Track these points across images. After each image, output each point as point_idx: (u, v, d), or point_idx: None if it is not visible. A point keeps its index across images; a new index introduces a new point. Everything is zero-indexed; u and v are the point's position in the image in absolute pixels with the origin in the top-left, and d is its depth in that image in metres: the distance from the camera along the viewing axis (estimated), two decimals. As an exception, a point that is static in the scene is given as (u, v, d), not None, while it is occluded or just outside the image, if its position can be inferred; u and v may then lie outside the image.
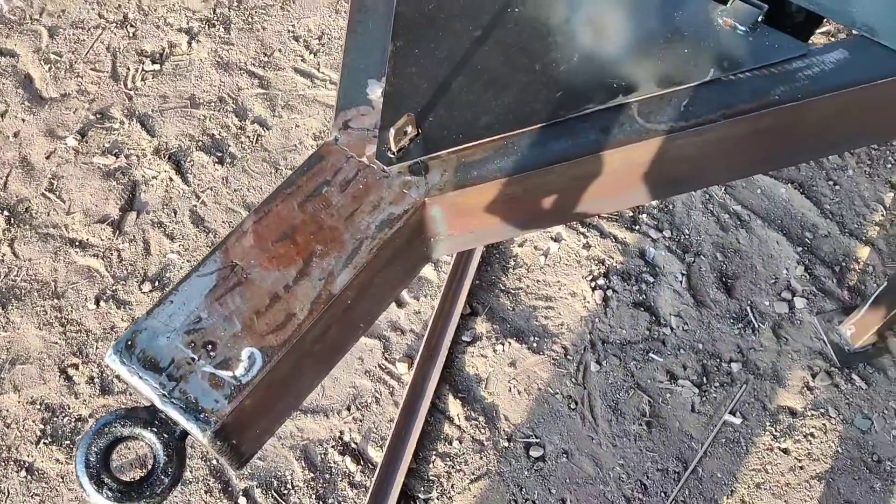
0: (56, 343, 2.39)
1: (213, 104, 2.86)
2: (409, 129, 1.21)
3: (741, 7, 1.33)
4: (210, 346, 1.03)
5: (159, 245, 2.56)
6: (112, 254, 2.55)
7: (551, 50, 1.31)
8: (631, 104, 1.26)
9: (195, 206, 2.64)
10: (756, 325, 2.35)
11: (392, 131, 1.18)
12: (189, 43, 3.01)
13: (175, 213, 2.62)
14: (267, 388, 1.04)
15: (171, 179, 2.69)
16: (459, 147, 1.22)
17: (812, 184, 2.59)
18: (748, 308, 2.37)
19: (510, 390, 2.27)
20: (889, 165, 2.64)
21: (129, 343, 1.03)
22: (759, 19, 1.32)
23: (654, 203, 2.56)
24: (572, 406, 2.24)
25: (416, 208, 1.18)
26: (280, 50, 2.98)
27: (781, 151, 1.37)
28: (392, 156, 1.21)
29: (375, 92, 1.30)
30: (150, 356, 1.02)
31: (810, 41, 1.55)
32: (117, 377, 2.27)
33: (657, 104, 1.25)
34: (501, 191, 1.23)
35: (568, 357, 2.32)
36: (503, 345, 2.34)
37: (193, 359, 1.02)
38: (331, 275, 1.10)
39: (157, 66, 2.96)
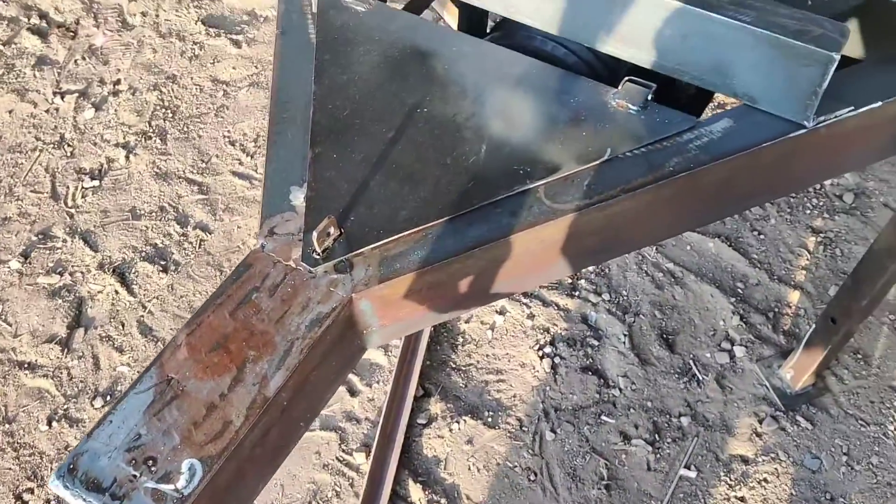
0: (10, 469, 2.36)
1: (154, 214, 2.90)
2: (332, 230, 1.28)
3: (632, 88, 1.43)
4: (151, 462, 1.06)
5: (109, 359, 2.57)
6: (62, 372, 2.55)
7: (460, 143, 1.40)
8: (538, 187, 1.34)
9: (142, 316, 2.66)
10: (700, 378, 2.42)
11: (315, 234, 1.25)
12: (127, 157, 3.07)
13: (122, 326, 2.64)
14: (210, 497, 1.06)
15: (116, 292, 2.71)
16: (381, 242, 1.29)
17: (738, 236, 2.71)
18: (691, 362, 2.45)
19: (469, 468, 2.30)
20: (808, 211, 2.77)
21: (71, 467, 1.05)
22: (649, 98, 1.43)
23: (590, 268, 2.65)
24: (532, 478, 2.27)
25: (344, 305, 1.24)
26: (217, 155, 3.06)
27: (684, 216, 1.47)
28: (317, 257, 1.27)
29: (298, 198, 1.37)
30: (93, 477, 1.05)
31: (708, 113, 1.67)
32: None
33: (561, 185, 1.34)
34: (425, 279, 1.29)
35: (523, 428, 2.35)
36: (459, 423, 2.37)
37: (135, 476, 1.04)
38: (264, 379, 1.14)
39: (96, 183, 3.01)
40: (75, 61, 3.39)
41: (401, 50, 1.54)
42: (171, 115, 3.19)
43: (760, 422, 2.33)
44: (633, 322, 2.54)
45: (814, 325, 2.20)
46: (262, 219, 1.36)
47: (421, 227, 1.30)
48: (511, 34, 1.73)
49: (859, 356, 2.43)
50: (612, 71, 1.68)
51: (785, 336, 2.49)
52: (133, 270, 2.77)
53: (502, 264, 1.35)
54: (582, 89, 1.46)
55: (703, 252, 2.68)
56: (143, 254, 2.81)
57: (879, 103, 1.41)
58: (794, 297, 2.57)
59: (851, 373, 2.40)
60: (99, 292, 2.73)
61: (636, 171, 1.36)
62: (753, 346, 2.46)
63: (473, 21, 2.04)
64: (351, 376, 2.47)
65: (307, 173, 1.38)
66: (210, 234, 2.84)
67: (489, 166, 1.37)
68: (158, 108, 3.22)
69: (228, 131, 3.13)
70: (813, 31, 1.29)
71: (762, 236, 2.71)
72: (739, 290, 2.59)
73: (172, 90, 3.27)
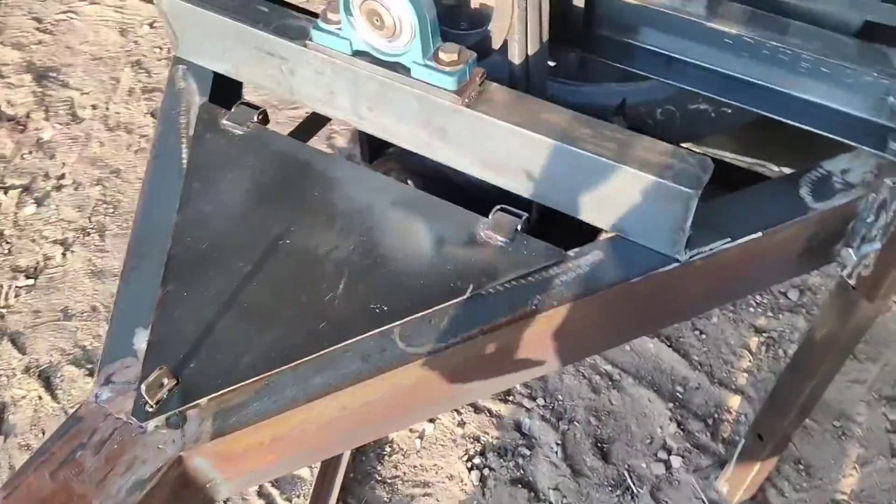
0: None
1: (85, 314, 2.85)
2: (166, 380, 1.21)
3: (502, 217, 1.38)
4: None
5: (25, 470, 2.47)
6: (-25, 485, 2.45)
7: (319, 279, 1.33)
8: (393, 329, 1.27)
9: (64, 423, 2.57)
10: (634, 491, 2.31)
11: (144, 385, 1.18)
12: (64, 254, 3.03)
13: (43, 434, 2.55)
14: None
15: (39, 398, 2.64)
16: (218, 393, 1.22)
17: (679, 335, 2.63)
18: (626, 472, 2.34)
19: (389, 591, 2.18)
20: (751, 309, 2.69)
21: None
22: (518, 228, 1.37)
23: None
24: None
25: (171, 464, 1.16)
26: (154, 252, 3.01)
27: (551, 352, 1.39)
28: (150, 409, 1.20)
29: (142, 341, 1.31)
30: None
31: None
32: None
33: (418, 326, 1.27)
34: (264, 432, 1.22)
35: (448, 551, 2.24)
36: (381, 540, 2.26)
37: None
38: (69, 556, 1.06)
39: (30, 281, 2.96)
40: (22, 155, 3.38)
41: (273, 176, 1.49)
42: (112, 210, 3.16)
43: (697, 539, 2.21)
44: (568, 429, 2.44)
45: (742, 440, 2.10)
46: (100, 365, 1.30)
47: (263, 376, 1.23)
48: (402, 153, 1.69)
49: (801, 466, 2.32)
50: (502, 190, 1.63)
51: (724, 444, 2.38)
52: (59, 374, 2.70)
53: (355, 411, 1.27)
54: (453, 219, 1.41)
55: (643, 353, 2.59)
56: (71, 357, 2.74)
57: (760, 233, 1.34)
58: (735, 402, 2.47)
59: (792, 485, 2.29)
60: (22, 398, 2.65)
61: (497, 309, 1.29)
62: (691, 455, 2.36)
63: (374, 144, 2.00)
64: (271, 489, 2.37)
65: (153, 314, 1.32)
66: (140, 335, 2.77)
67: (345, 305, 1.30)
68: (100, 203, 3.18)
69: (168, 227, 3.09)
70: (674, 165, 1.24)
71: (704, 336, 2.63)
72: (679, 394, 2.50)
73: (116, 185, 3.25)
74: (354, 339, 1.26)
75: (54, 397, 2.64)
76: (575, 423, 2.45)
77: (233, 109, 1.60)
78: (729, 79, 1.52)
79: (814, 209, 1.37)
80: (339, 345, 1.25)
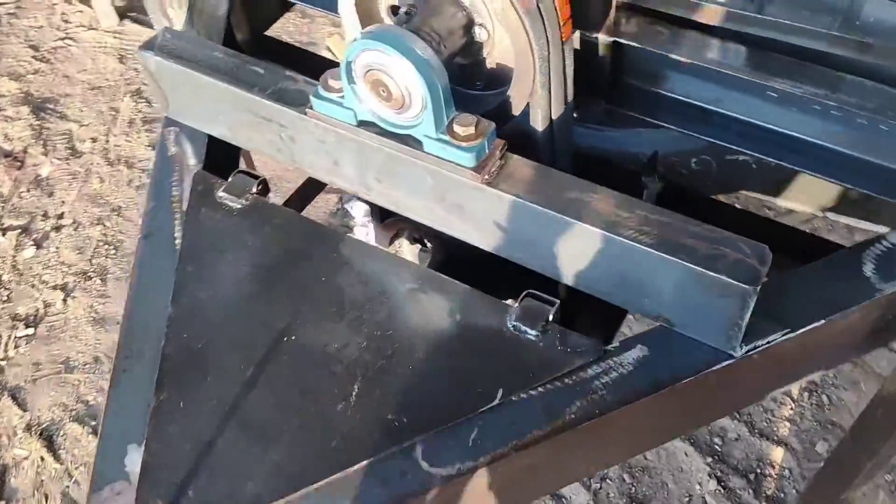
0: None
1: (87, 366, 2.72)
2: None
3: (531, 306, 1.23)
4: None
5: (28, 539, 2.36)
6: (-23, 556, 2.34)
7: (328, 384, 1.19)
8: (415, 446, 1.13)
9: (68, 487, 2.45)
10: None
11: (135, 527, 1.04)
12: (64, 300, 2.90)
13: (46, 499, 2.43)
14: None
15: (42, 459, 2.52)
16: (218, 528, 1.08)
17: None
18: (666, 533, 2.20)
19: None
20: (791, 347, 2.53)
21: None
22: (550, 318, 1.22)
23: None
24: None
25: None
26: (158, 296, 2.88)
27: (589, 460, 1.24)
28: (142, 551, 1.06)
29: (135, 461, 1.17)
30: None
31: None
32: None
33: (443, 442, 1.13)
34: (271, 573, 1.07)
35: None
36: None
37: None
38: None
39: (30, 331, 2.83)
40: (20, 194, 3.25)
41: (274, 257, 1.35)
42: (113, 251, 3.03)
43: None
44: (600, 488, 2.29)
45: (793, 505, 1.95)
46: (89, 490, 1.16)
47: (268, 506, 1.09)
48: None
49: (851, 524, 2.16)
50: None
51: (768, 503, 2.23)
52: (61, 433, 2.57)
53: (371, 541, 1.13)
54: (477, 308, 1.26)
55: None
56: (73, 413, 2.61)
57: (822, 321, 1.19)
58: (778, 454, 2.31)
59: (843, 545, 2.13)
60: (24, 458, 2.53)
61: (531, 419, 1.14)
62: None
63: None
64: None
65: (147, 428, 1.18)
66: (145, 387, 2.64)
67: (359, 416, 1.16)
68: (101, 244, 3.06)
69: (172, 268, 2.95)
70: (727, 255, 1.08)
71: (741, 378, 2.47)
72: (717, 446, 2.34)
73: (117, 223, 3.12)
74: (371, 460, 1.11)
75: (57, 458, 2.52)
76: (608, 480, 2.30)
77: (230, 179, 1.46)
78: (774, 135, 1.37)
79: (881, 290, 1.21)
80: (354, 467, 1.11)
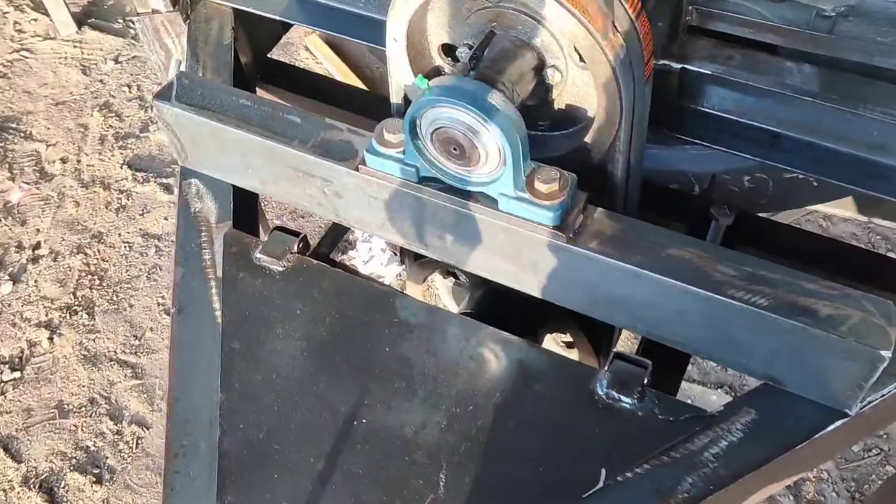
0: None
1: (83, 409, 2.56)
2: None
3: (622, 369, 1.13)
4: None
5: None
6: None
7: (411, 473, 1.08)
8: (518, 544, 1.03)
9: (75, 543, 2.31)
10: (720, 569, 2.10)
11: None
12: (50, 339, 2.73)
13: (53, 559, 2.29)
14: None
15: (44, 514, 2.36)
16: None
17: (743, 383, 2.41)
18: (707, 549, 2.13)
19: None
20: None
21: None
22: (646, 382, 1.12)
23: None
24: None
25: None
26: (151, 328, 2.73)
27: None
28: None
29: (204, 579, 1.05)
30: None
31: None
32: None
33: (547, 538, 1.03)
34: None
35: None
36: None
37: None
38: None
39: (17, 374, 2.66)
40: (-11, 225, 3.06)
41: (330, 327, 1.23)
42: (97, 281, 2.86)
43: None
44: None
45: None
46: None
47: None
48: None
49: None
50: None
51: (809, 507, 2.18)
52: (62, 484, 2.42)
53: None
54: (562, 375, 1.16)
55: (706, 406, 2.37)
56: (74, 461, 2.46)
57: (935, 367, 1.11)
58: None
59: (890, 548, 2.10)
60: (24, 515, 2.38)
61: (641, 501, 1.05)
62: (775, 523, 2.16)
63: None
64: None
65: (215, 540, 1.06)
66: (148, 429, 2.50)
67: (450, 509, 1.05)
68: (84, 274, 2.88)
69: (163, 297, 2.80)
70: (850, 315, 0.99)
71: (769, 379, 2.42)
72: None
73: (98, 251, 2.94)
74: (472, 561, 1.01)
75: (60, 512, 2.37)
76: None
77: (265, 238, 1.33)
78: (846, 158, 1.28)
79: None
80: (454, 574, 1.01)
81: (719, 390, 2.39)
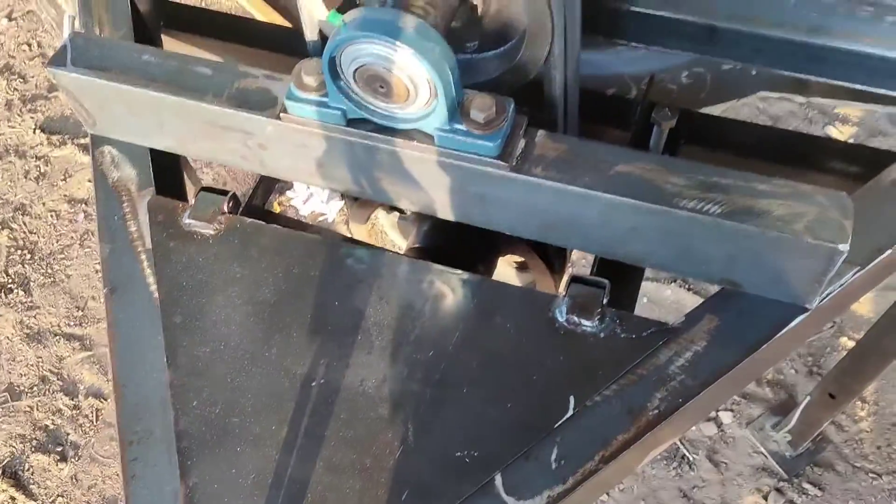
0: None
1: (35, 389, 2.48)
2: None
3: (580, 293, 1.10)
4: None
5: (20, 588, 2.18)
6: None
7: (379, 429, 1.05)
8: (495, 481, 1.01)
9: (49, 523, 2.27)
10: (690, 459, 2.16)
11: None
12: (-12, 323, 2.62)
13: (29, 541, 2.25)
14: None
15: (12, 499, 2.31)
16: None
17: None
18: (677, 441, 2.18)
19: None
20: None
21: None
22: (605, 302, 1.10)
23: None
24: None
25: None
26: (93, 297, 2.63)
27: (671, 439, 1.15)
28: None
29: (179, 564, 1.02)
30: None
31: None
32: None
33: (523, 470, 1.01)
34: None
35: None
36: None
37: None
38: None
39: (-41, 362, 2.56)
40: None
41: (273, 288, 1.17)
42: (28, 255, 2.73)
43: (765, 497, 2.09)
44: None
45: (808, 397, 1.94)
46: None
47: (352, 588, 0.97)
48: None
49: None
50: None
51: (771, 387, 2.24)
52: (27, 466, 2.36)
53: None
54: (518, 306, 1.13)
55: (660, 301, 2.39)
56: (35, 442, 2.39)
57: (888, 252, 1.11)
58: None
59: (850, 417, 2.17)
60: (-8, 504, 2.32)
61: (613, 424, 1.04)
62: (739, 407, 2.21)
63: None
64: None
65: (183, 519, 1.02)
66: (105, 399, 2.44)
67: (424, 459, 1.03)
68: (13, 249, 2.75)
69: (100, 263, 2.68)
70: (805, 213, 0.97)
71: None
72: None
73: (25, 223, 2.80)
74: (453, 506, 0.99)
75: (29, 495, 2.32)
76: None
77: (192, 202, 1.25)
78: (789, 45, 1.24)
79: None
80: (435, 519, 0.99)
81: (672, 284, 2.41)
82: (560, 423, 1.03)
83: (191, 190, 1.38)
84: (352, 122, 1.06)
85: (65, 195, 2.85)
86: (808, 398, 1.94)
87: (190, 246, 1.21)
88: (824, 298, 1.07)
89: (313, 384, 1.09)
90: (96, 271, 2.68)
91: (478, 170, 1.04)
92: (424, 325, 1.12)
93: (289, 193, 2.70)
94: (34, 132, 3.00)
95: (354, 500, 1.01)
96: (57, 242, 2.75)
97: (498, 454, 1.02)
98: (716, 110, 1.59)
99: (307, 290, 1.16)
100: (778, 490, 2.09)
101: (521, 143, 1.05)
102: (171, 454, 1.06)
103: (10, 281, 2.69)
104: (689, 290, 2.40)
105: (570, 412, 1.03)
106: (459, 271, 1.16)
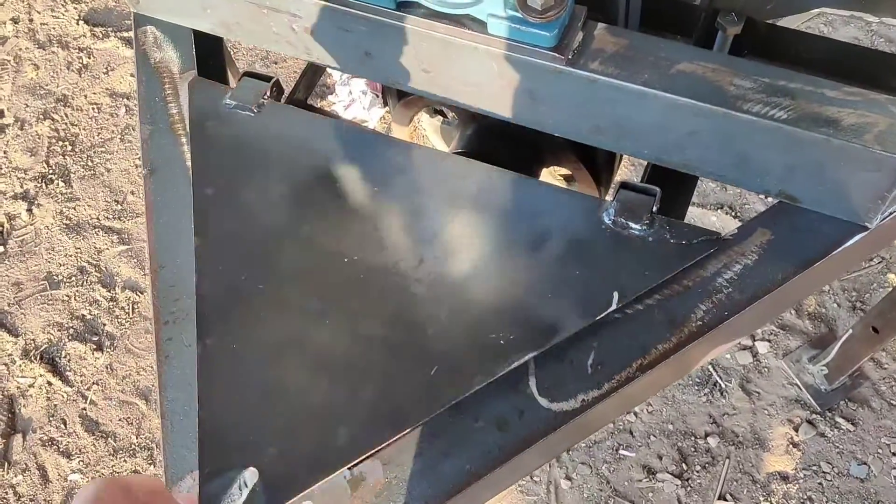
0: None
1: (74, 279, 2.51)
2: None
3: (629, 199, 1.06)
4: None
5: (56, 467, 2.25)
6: (7, 493, 2.24)
7: (410, 307, 1.03)
8: (528, 381, 0.99)
9: (84, 409, 2.32)
10: (722, 386, 2.14)
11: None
12: (29, 210, 2.64)
13: (65, 424, 2.31)
14: None
15: (49, 384, 2.37)
16: (314, 486, 0.94)
17: (744, 202, 2.37)
18: (710, 367, 2.16)
19: (482, 536, 2.04)
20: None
21: None
22: (654, 209, 1.06)
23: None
24: (553, 535, 2.03)
25: None
26: (132, 192, 2.64)
27: (707, 355, 1.12)
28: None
29: (211, 442, 1.02)
30: None
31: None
32: None
33: (557, 372, 1.00)
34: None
35: (535, 479, 2.09)
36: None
37: None
38: None
39: (0, 249, 2.59)
40: (-55, 96, 2.89)
41: (307, 170, 1.15)
42: (69, 147, 2.74)
43: (796, 429, 2.07)
44: (638, 330, 2.23)
45: (850, 331, 1.90)
46: (167, 480, 1.02)
47: (369, 454, 0.96)
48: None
49: None
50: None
51: (811, 320, 2.19)
52: (63, 354, 2.41)
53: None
54: (564, 205, 1.09)
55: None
56: (71, 331, 2.44)
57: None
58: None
59: (890, 354, 2.12)
60: (30, 386, 2.38)
61: (653, 332, 1.01)
62: (777, 338, 2.17)
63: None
64: None
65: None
66: (142, 293, 2.47)
67: (456, 339, 1.00)
68: (54, 140, 2.76)
69: (140, 157, 2.69)
70: (876, 122, 0.92)
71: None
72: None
73: (66, 115, 2.80)
74: (481, 385, 0.97)
75: (65, 380, 2.37)
76: (646, 321, 2.24)
77: (235, 85, 1.22)
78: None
79: None
80: (462, 396, 0.97)
81: (719, 211, 2.35)
82: (602, 316, 1.00)
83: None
84: (401, 6, 1.02)
85: (107, 88, 2.83)
86: (850, 331, 1.90)
87: (229, 126, 1.19)
88: (885, 218, 1.02)
89: (346, 260, 1.06)
90: (136, 166, 2.68)
91: (531, 62, 0.99)
92: (465, 219, 1.09)
93: (330, 98, 2.66)
94: (77, 23, 2.97)
95: (381, 371, 0.99)
96: (98, 135, 2.75)
97: (534, 340, 0.99)
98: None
99: (345, 176, 1.13)
100: (810, 422, 2.07)
101: (579, 36, 0.99)
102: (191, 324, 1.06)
103: (51, 172, 2.70)
104: (735, 216, 2.34)
105: (614, 306, 1.00)
106: (506, 170, 1.13)
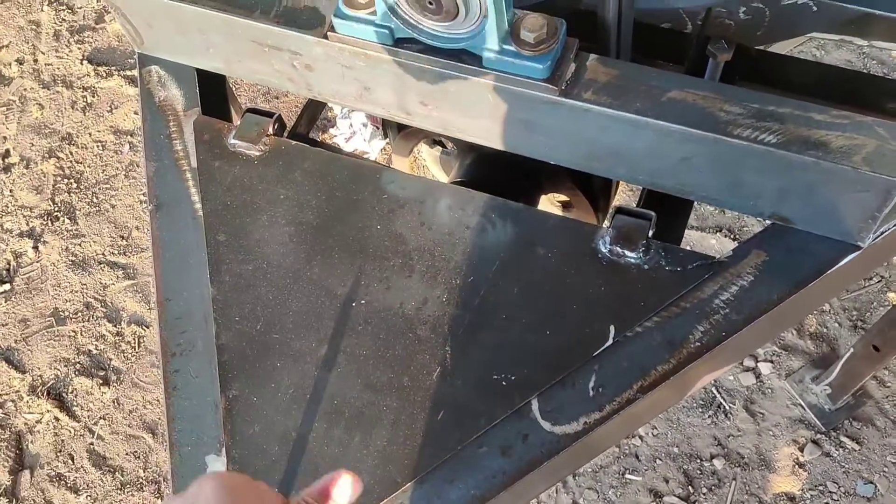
0: None
1: (80, 314, 2.54)
2: None
3: (624, 223, 1.09)
4: None
5: (64, 503, 2.25)
6: (15, 529, 2.25)
7: (416, 350, 1.06)
8: (531, 405, 1.01)
9: (92, 443, 2.33)
10: (727, 408, 2.14)
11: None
12: (35, 248, 2.67)
13: (72, 459, 2.32)
14: None
15: (56, 419, 2.38)
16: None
17: (742, 224, 2.39)
18: (713, 390, 2.17)
19: (490, 564, 2.04)
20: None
21: None
22: (650, 234, 1.08)
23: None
24: (561, 561, 2.02)
25: None
26: (137, 227, 2.67)
27: (708, 376, 1.14)
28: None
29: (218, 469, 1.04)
30: None
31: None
32: None
33: (559, 396, 1.01)
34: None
35: (541, 505, 2.09)
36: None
37: None
38: None
39: (7, 286, 2.62)
40: (-47, 136, 2.93)
41: (316, 210, 1.17)
42: (74, 185, 2.77)
43: (801, 450, 2.07)
44: (641, 353, 2.24)
45: (851, 349, 1.91)
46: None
47: (385, 501, 0.98)
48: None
49: (898, 351, 2.16)
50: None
51: (812, 340, 2.20)
52: (70, 389, 2.42)
53: (501, 511, 1.03)
54: (562, 235, 1.11)
55: (701, 241, 2.36)
56: (78, 366, 2.45)
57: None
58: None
59: (892, 372, 2.13)
60: (37, 422, 2.39)
61: (652, 355, 1.03)
62: (779, 358, 2.18)
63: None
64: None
65: (223, 434, 1.04)
66: (147, 327, 2.49)
67: (461, 382, 1.03)
68: (59, 178, 2.79)
69: (144, 193, 2.72)
70: (864, 144, 0.94)
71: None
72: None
73: (71, 153, 2.84)
74: (489, 427, 1.00)
75: (72, 416, 2.38)
76: (648, 345, 2.25)
77: (238, 123, 1.25)
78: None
79: None
80: (473, 437, 0.99)
81: (718, 234, 2.37)
82: (599, 351, 1.02)
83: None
84: (399, 43, 1.05)
85: (111, 126, 2.88)
86: (852, 350, 1.91)
87: (235, 166, 1.22)
88: (878, 237, 1.04)
89: (353, 304, 1.09)
90: (140, 202, 2.71)
91: (526, 93, 1.02)
92: (465, 252, 1.11)
93: (332, 131, 2.70)
94: (81, 63, 3.02)
95: (391, 417, 1.02)
96: (102, 172, 2.79)
97: (535, 379, 1.02)
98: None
99: (349, 212, 1.16)
100: (815, 442, 2.07)
101: (572, 67, 1.02)
102: (212, 367, 1.08)
103: (57, 209, 2.73)
104: (734, 239, 2.36)
105: (610, 341, 1.03)
106: (503, 199, 1.15)
